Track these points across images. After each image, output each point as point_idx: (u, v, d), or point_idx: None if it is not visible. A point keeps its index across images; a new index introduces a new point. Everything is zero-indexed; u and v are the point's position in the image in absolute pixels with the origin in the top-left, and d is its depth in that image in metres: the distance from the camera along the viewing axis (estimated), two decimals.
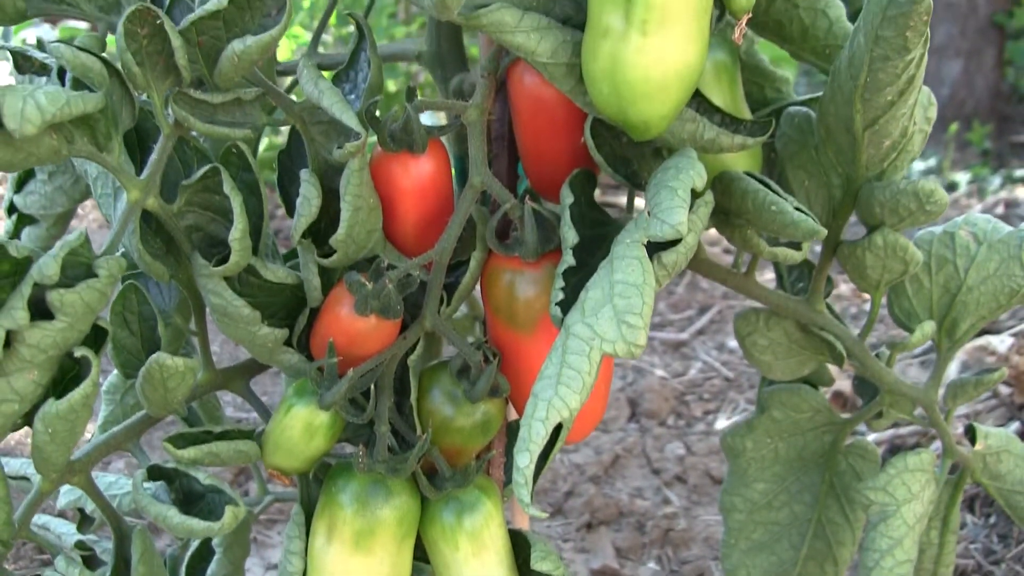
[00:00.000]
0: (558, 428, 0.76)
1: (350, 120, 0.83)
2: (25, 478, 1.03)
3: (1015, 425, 1.96)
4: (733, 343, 2.48)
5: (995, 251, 1.04)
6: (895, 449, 1.99)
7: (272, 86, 0.89)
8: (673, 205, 0.78)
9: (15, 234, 1.27)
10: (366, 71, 0.96)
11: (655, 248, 0.80)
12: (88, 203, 2.91)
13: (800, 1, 0.95)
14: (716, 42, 0.95)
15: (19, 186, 1.23)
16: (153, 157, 0.86)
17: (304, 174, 0.89)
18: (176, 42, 0.82)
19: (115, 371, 1.06)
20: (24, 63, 0.97)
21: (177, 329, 1.02)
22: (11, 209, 1.25)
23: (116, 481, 1.13)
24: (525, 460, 0.74)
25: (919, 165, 3.97)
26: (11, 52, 0.97)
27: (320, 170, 0.92)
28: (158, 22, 0.81)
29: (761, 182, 0.89)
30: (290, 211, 0.98)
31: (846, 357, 1.06)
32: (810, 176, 0.99)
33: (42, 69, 0.97)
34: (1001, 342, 2.15)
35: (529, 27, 0.82)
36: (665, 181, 0.80)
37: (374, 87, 0.94)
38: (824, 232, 0.87)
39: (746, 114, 0.97)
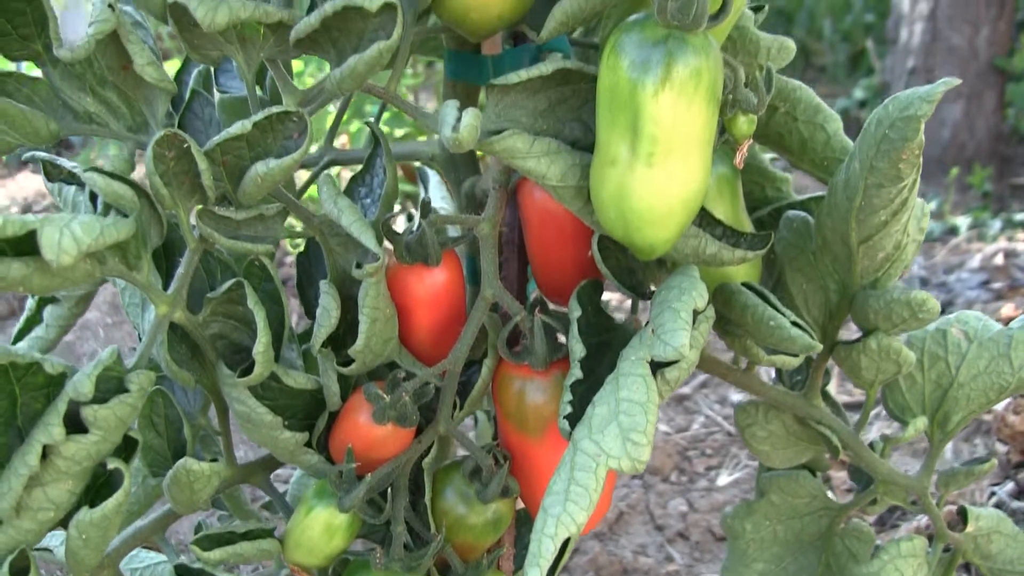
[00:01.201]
0: (566, 540, 0.80)
1: (368, 241, 0.87)
2: (48, 550, 1.07)
3: (1010, 485, 1.99)
4: (735, 396, 2.51)
5: (985, 349, 1.08)
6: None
7: (293, 200, 0.94)
8: (676, 327, 0.82)
9: (37, 312, 1.30)
10: (382, 176, 1.00)
11: (659, 364, 0.84)
12: None
13: (799, 115, 1.00)
14: (719, 156, 0.99)
15: None
16: (180, 271, 0.90)
17: (323, 285, 0.93)
18: (202, 165, 0.86)
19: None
20: (53, 171, 1.02)
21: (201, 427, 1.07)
22: None
23: (137, 554, 1.17)
24: (536, 574, 0.78)
25: None
26: (41, 161, 1.01)
27: (338, 279, 0.96)
28: (185, 145, 0.86)
29: (760, 295, 0.93)
30: (308, 312, 1.03)
31: (842, 449, 1.10)
32: (808, 280, 1.04)
33: (71, 177, 1.02)
34: None
35: (540, 152, 0.86)
36: (668, 301, 0.85)
37: (390, 195, 0.98)
38: (819, 347, 0.91)
39: (746, 224, 1.02)
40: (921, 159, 0.85)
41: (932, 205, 4.00)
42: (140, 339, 0.98)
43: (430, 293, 0.95)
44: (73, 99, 0.89)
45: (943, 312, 2.84)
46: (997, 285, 2.99)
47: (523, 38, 1.04)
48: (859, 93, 4.91)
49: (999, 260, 3.11)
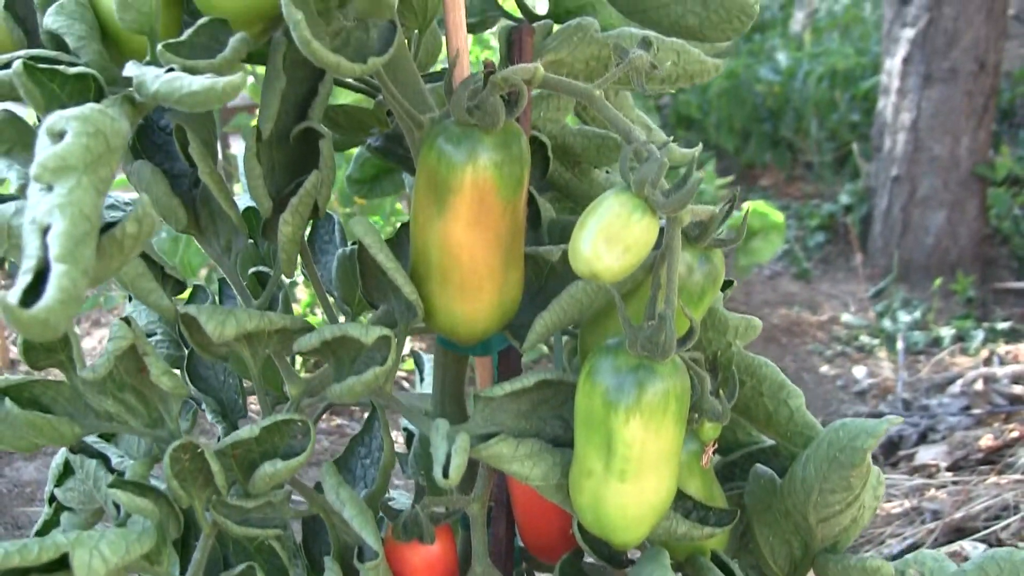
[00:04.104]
0: None
1: (369, 537, 0.95)
2: None
3: None
4: None
5: None
6: None
7: (300, 484, 1.02)
8: None
9: (54, 518, 1.38)
10: (380, 438, 1.08)
11: None
12: None
13: (764, 390, 1.08)
14: (689, 434, 1.07)
15: (59, 482, 1.35)
16: (196, 557, 0.98)
17: (327, 561, 1.01)
18: (215, 467, 0.94)
19: None
20: (76, 443, 1.10)
21: None
22: (51, 499, 1.37)
23: None
24: None
25: (905, 317, 4.11)
26: None
27: (340, 553, 1.04)
28: (199, 450, 0.94)
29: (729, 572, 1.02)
30: (313, 570, 1.11)
31: None
32: (774, 534, 1.12)
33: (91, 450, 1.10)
34: (974, 548, 2.26)
35: (524, 455, 0.95)
36: None
37: (387, 466, 1.07)
38: None
39: (717, 493, 1.09)
40: (869, 470, 0.93)
41: (917, 314, 4.11)
42: None
43: (425, 565, 1.03)
44: (94, 401, 0.98)
45: (923, 438, 2.90)
46: (977, 411, 3.08)
47: None
48: (845, 198, 5.02)
49: (979, 386, 3.19)
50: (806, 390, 3.48)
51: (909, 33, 4.44)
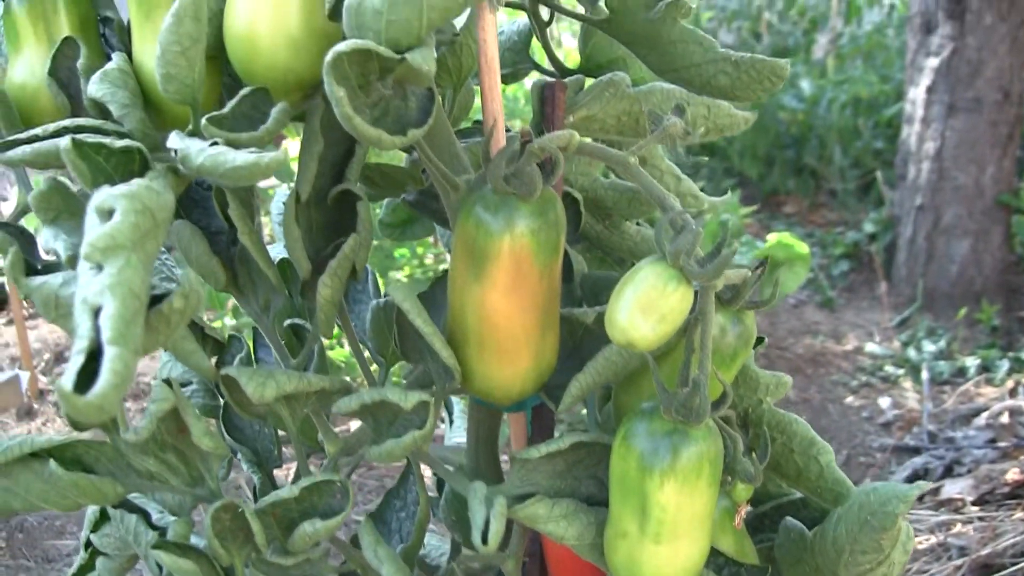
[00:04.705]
0: None
1: None
2: None
3: None
4: None
5: None
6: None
7: (340, 540, 1.03)
8: None
9: (90, 563, 1.40)
10: (415, 492, 1.10)
11: None
12: None
13: (795, 447, 1.09)
14: (722, 493, 1.08)
15: (95, 528, 1.37)
16: None
17: None
18: (255, 526, 0.96)
19: None
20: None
21: None
22: (87, 544, 1.39)
23: None
24: None
25: (930, 347, 4.10)
26: None
27: None
28: (239, 510, 0.96)
29: None
30: None
31: None
32: None
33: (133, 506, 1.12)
34: None
35: (559, 515, 0.96)
36: None
37: (423, 521, 1.08)
38: None
39: (749, 549, 1.10)
40: (900, 531, 0.94)
41: (942, 343, 4.11)
42: None
43: None
44: (136, 461, 0.99)
45: (949, 471, 2.90)
46: (1003, 444, 3.07)
47: None
48: (869, 226, 5.02)
49: (1005, 419, 3.19)
50: (831, 422, 3.48)
51: (933, 62, 4.44)
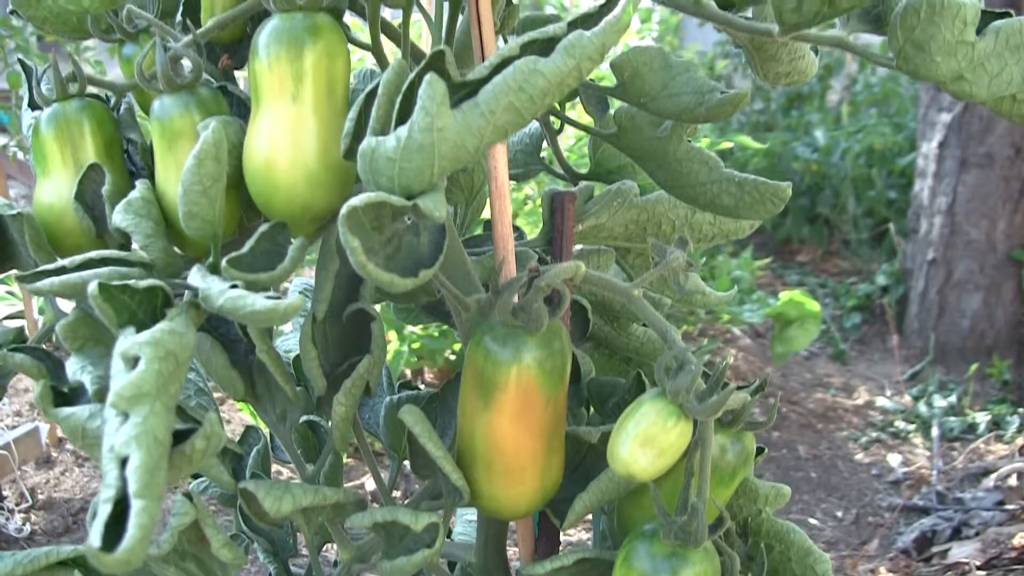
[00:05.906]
0: None
1: None
2: None
3: None
4: None
5: None
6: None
7: None
8: None
9: None
10: None
11: None
12: None
13: (792, 555, 1.12)
14: None
15: None
16: None
17: None
18: None
19: None
20: None
21: None
22: None
23: None
24: None
25: (941, 402, 4.12)
26: None
27: None
28: None
29: None
30: None
31: None
32: None
33: None
34: None
35: None
36: None
37: None
38: None
39: None
40: None
41: (952, 398, 4.12)
42: None
43: None
44: (158, 569, 1.03)
45: (957, 533, 2.91)
46: (1011, 506, 3.09)
47: None
48: (881, 279, 5.04)
49: (1013, 481, 3.20)
50: (842, 479, 3.50)
51: (945, 118, 4.48)
